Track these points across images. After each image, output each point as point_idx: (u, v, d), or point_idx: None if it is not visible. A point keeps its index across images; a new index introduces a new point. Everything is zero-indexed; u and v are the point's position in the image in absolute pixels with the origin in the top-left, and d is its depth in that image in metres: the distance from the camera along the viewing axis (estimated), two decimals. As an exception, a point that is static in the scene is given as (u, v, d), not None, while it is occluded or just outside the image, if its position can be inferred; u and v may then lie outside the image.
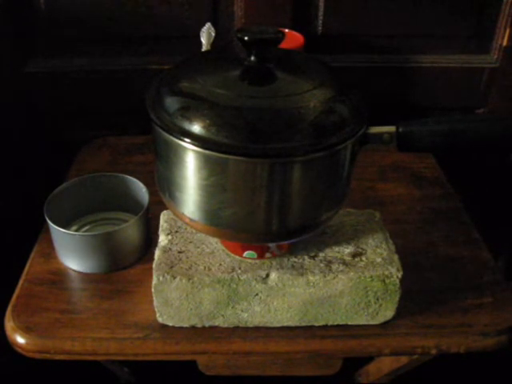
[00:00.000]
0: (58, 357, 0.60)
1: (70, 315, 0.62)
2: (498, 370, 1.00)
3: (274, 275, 0.58)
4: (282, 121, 0.47)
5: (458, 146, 0.54)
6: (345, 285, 0.58)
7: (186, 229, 0.62)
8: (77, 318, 0.62)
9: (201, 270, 0.58)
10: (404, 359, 0.76)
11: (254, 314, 0.60)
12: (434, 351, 0.61)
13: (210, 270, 0.58)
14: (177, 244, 0.61)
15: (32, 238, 0.73)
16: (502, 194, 1.03)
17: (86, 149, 0.91)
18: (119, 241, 0.66)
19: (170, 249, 0.60)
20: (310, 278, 0.57)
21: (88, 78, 0.92)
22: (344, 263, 0.59)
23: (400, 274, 0.58)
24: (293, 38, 0.82)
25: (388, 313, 0.61)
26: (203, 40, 0.80)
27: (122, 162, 0.88)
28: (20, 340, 0.60)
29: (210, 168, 0.48)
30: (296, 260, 0.59)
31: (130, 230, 0.67)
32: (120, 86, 0.92)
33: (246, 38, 0.49)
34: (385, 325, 0.61)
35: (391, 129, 0.53)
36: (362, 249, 0.60)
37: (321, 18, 0.89)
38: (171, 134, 0.48)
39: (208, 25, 0.81)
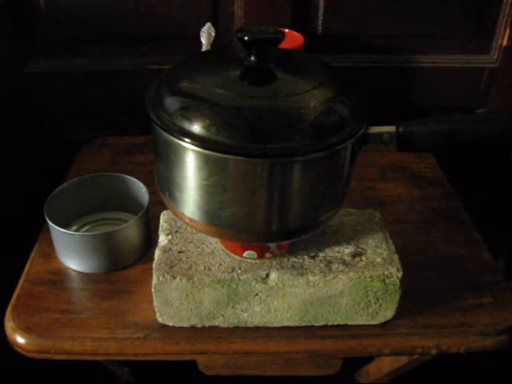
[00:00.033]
0: (57, 357, 0.60)
1: (70, 315, 0.62)
2: (498, 369, 1.00)
3: (274, 275, 0.58)
4: (281, 121, 0.47)
5: (458, 146, 0.54)
6: (345, 285, 0.58)
7: (186, 229, 0.62)
8: (77, 317, 0.62)
9: (201, 270, 0.58)
10: (404, 359, 0.76)
11: (253, 313, 0.60)
12: (434, 351, 0.61)
13: (210, 270, 0.58)
14: (177, 244, 0.61)
15: (32, 238, 0.73)
16: (502, 194, 1.03)
17: (86, 149, 0.91)
18: (119, 241, 0.66)
19: (169, 249, 0.60)
20: (310, 278, 0.57)
21: (88, 78, 0.92)
22: (344, 263, 0.59)
23: (400, 274, 0.58)
24: (293, 38, 0.82)
25: (388, 313, 0.61)
26: (203, 40, 0.80)
27: (121, 162, 0.88)
28: (20, 340, 0.60)
29: (209, 168, 0.48)
30: (296, 260, 0.59)
31: (129, 229, 0.67)
32: (120, 86, 0.92)
33: (246, 38, 0.49)
34: (385, 325, 0.61)
35: (391, 129, 0.53)
36: (362, 249, 0.60)
37: (321, 18, 0.89)
38: (171, 134, 0.48)
39: (208, 25, 0.81)
